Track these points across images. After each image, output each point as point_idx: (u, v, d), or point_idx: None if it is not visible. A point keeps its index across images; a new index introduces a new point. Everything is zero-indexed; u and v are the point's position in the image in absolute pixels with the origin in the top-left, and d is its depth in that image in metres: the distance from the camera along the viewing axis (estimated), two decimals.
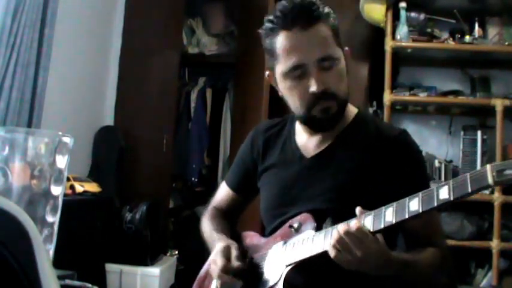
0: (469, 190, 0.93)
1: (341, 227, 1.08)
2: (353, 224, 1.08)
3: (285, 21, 1.24)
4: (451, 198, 0.95)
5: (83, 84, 3.33)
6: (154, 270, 3.05)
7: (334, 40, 1.26)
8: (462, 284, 3.20)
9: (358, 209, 1.10)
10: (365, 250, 1.06)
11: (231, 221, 1.54)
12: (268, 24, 1.28)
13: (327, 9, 1.28)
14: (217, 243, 1.36)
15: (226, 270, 1.27)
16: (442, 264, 1.24)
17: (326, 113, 1.26)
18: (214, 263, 1.30)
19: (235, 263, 1.28)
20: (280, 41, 1.25)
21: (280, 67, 1.27)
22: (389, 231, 1.08)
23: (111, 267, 2.98)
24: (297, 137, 1.40)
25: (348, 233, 1.06)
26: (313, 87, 1.23)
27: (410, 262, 1.18)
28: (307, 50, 1.23)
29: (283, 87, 1.30)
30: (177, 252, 3.66)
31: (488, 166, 0.91)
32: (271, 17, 1.28)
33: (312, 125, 1.33)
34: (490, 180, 0.90)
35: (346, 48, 1.32)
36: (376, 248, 1.07)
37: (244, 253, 1.37)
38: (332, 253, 1.09)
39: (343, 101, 1.29)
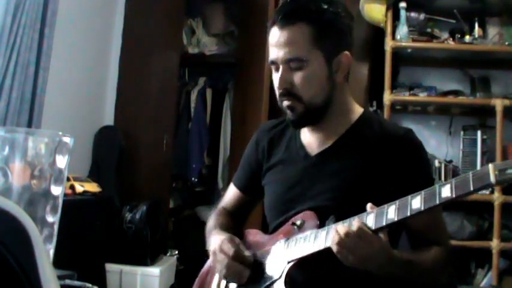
0: (471, 188, 0.96)
1: (341, 227, 1.08)
2: (355, 222, 1.08)
3: (273, 18, 1.29)
4: (453, 196, 0.98)
5: (83, 84, 3.33)
6: (154, 270, 3.06)
7: (312, 42, 1.25)
8: (462, 284, 3.19)
9: (369, 205, 1.10)
10: (367, 249, 1.07)
11: (238, 221, 1.54)
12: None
13: (321, 9, 1.26)
14: (218, 235, 1.36)
15: (238, 257, 1.27)
16: (446, 262, 1.25)
17: (291, 111, 1.30)
18: (222, 251, 1.30)
19: (246, 251, 1.29)
20: (269, 35, 1.30)
21: None
22: (392, 230, 1.08)
23: (111, 267, 2.98)
24: (301, 135, 1.40)
25: (348, 233, 1.07)
26: (275, 84, 1.30)
27: (415, 261, 1.18)
28: (278, 48, 1.27)
29: None
30: (177, 252, 3.65)
31: (490, 165, 0.94)
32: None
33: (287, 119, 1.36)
34: (493, 179, 0.93)
35: (347, 52, 1.29)
36: (379, 246, 1.07)
37: (248, 249, 1.37)
38: (335, 250, 1.10)
39: (311, 104, 1.28)
